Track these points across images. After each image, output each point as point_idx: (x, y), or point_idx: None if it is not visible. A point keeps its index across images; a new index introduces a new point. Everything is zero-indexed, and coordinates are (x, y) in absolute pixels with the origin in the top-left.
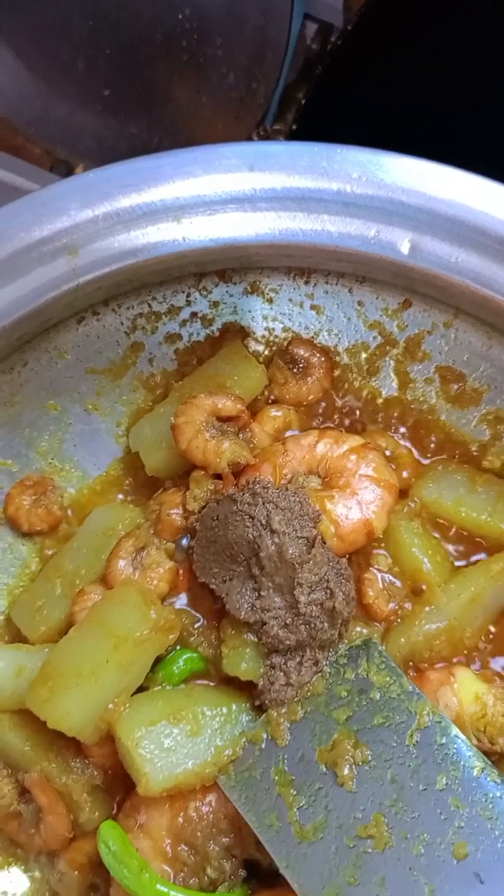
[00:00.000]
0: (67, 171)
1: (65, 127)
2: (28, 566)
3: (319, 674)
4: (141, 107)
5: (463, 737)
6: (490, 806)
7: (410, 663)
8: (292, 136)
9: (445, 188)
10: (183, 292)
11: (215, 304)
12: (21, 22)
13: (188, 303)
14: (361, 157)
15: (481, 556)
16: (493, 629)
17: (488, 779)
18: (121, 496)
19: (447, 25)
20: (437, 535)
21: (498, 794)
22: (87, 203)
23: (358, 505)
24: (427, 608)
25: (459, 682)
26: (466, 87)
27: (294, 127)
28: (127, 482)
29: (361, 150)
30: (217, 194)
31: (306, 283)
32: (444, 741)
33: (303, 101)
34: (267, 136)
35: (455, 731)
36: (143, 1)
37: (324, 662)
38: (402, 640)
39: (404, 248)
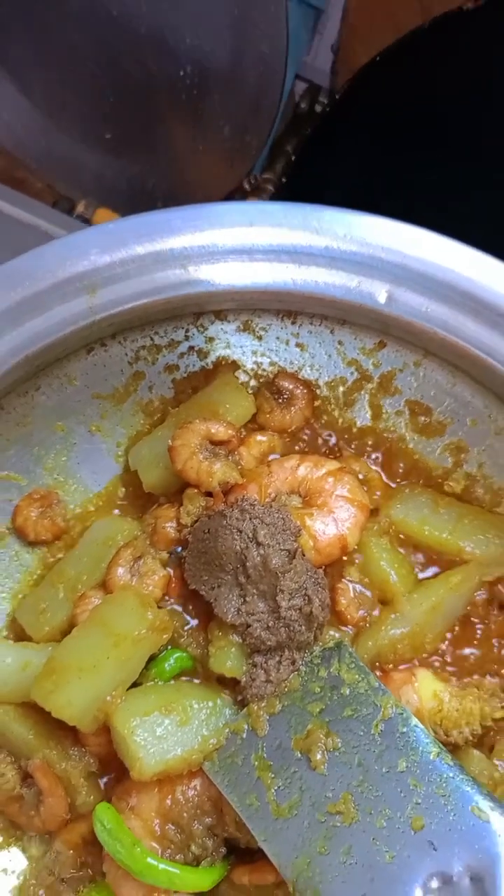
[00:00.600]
0: (69, 207)
1: (67, 164)
2: (33, 573)
3: (296, 672)
4: (141, 150)
5: (421, 726)
6: (444, 785)
7: (377, 664)
8: (282, 188)
9: (419, 247)
10: (182, 328)
11: (210, 340)
12: (31, 63)
13: (186, 337)
14: (347, 217)
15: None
16: (450, 634)
17: (443, 762)
18: (118, 510)
19: (429, 101)
20: (402, 551)
21: (451, 775)
22: (107, 250)
23: (334, 522)
24: (392, 615)
25: (420, 681)
26: (440, 155)
27: (283, 180)
28: (124, 498)
29: (347, 212)
30: (220, 246)
31: (293, 323)
32: (405, 730)
33: (292, 157)
34: (257, 184)
35: (415, 721)
36: (148, 53)
37: (300, 662)
38: (370, 643)
39: (381, 297)
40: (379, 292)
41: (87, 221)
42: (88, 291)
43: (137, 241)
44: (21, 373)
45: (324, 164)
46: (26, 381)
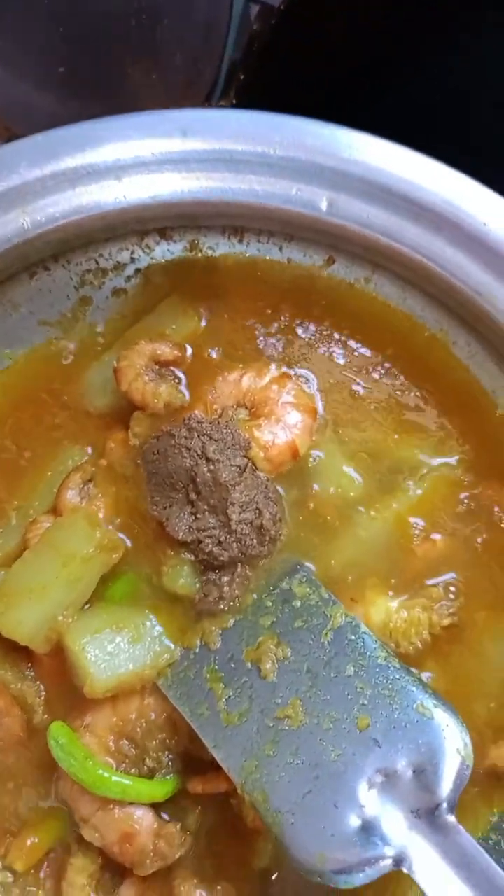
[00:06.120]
0: None
1: (23, 105)
2: None
3: (248, 588)
4: (97, 86)
5: (370, 632)
6: (390, 686)
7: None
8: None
9: (356, 151)
10: (127, 250)
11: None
12: None
13: (132, 260)
14: (282, 122)
15: None
16: None
17: (390, 665)
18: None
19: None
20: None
21: (397, 677)
22: (35, 163)
23: (283, 429)
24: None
25: (367, 594)
26: (389, 58)
27: (234, 102)
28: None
29: (282, 116)
30: (153, 155)
31: (240, 241)
32: (353, 637)
33: (241, 77)
34: None
35: (364, 628)
36: None
37: (253, 578)
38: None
39: (322, 204)
40: (320, 199)
41: None
42: (19, 207)
43: (67, 152)
44: None
45: (270, 78)
46: None
